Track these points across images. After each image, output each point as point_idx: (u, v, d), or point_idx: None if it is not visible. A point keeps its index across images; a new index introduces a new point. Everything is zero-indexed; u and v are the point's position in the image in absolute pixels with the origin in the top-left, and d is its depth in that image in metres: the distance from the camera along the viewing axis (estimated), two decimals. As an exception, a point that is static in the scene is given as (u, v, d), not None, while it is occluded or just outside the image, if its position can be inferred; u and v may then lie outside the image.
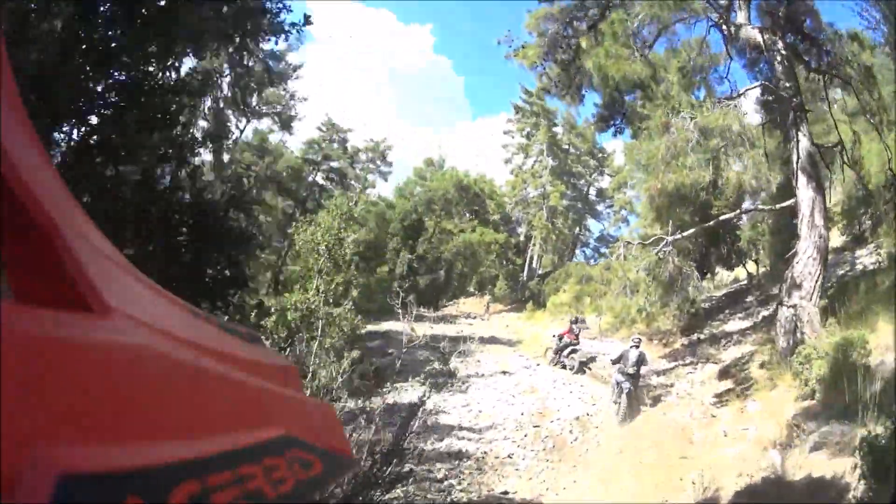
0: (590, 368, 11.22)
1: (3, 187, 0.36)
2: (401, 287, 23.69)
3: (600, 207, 30.17)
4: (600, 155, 29.03)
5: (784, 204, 9.04)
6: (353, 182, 27.15)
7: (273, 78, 18.46)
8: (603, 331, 13.68)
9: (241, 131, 20.04)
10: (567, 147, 28.38)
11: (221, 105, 17.93)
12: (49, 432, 0.29)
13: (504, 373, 11.29)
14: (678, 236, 9.86)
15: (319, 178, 25.88)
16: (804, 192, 8.12)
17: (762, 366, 7.99)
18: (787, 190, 9.08)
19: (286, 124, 21.18)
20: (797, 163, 8.25)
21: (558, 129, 27.81)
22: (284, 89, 20.26)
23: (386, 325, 14.77)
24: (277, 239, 22.21)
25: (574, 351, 11.33)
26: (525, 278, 26.60)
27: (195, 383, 0.40)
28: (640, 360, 8.39)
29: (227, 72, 16.62)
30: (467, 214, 26.86)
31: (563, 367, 11.36)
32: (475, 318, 20.90)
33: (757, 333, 10.06)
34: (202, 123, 17.34)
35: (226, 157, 19.10)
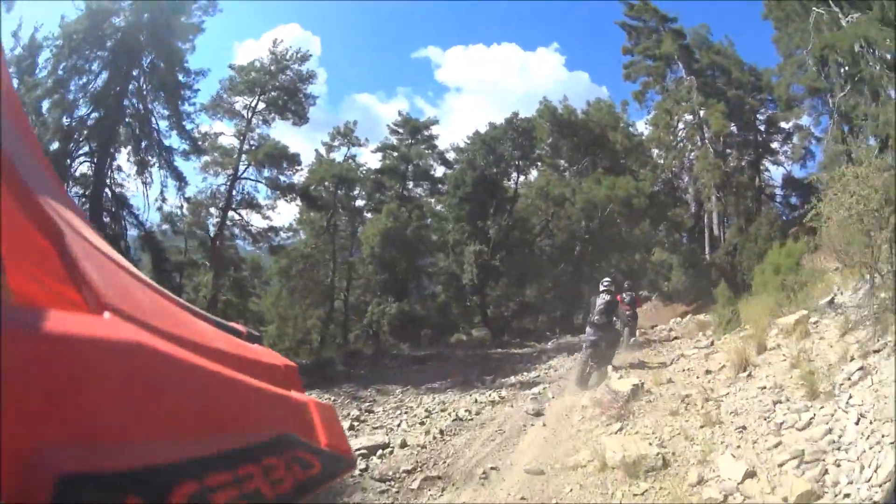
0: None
1: (2, 187, 0.36)
2: (471, 303, 15.89)
3: (774, 145, 19.43)
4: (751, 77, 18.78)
5: None
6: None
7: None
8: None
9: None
10: (706, 70, 19.12)
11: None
12: (49, 432, 0.30)
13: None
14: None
15: (411, 186, 19.25)
16: None
17: None
18: None
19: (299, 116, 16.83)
20: None
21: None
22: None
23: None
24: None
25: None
26: (708, 255, 16.69)
27: (194, 383, 0.41)
28: (609, 309, 6.71)
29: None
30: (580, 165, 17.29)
31: None
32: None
33: None
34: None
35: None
